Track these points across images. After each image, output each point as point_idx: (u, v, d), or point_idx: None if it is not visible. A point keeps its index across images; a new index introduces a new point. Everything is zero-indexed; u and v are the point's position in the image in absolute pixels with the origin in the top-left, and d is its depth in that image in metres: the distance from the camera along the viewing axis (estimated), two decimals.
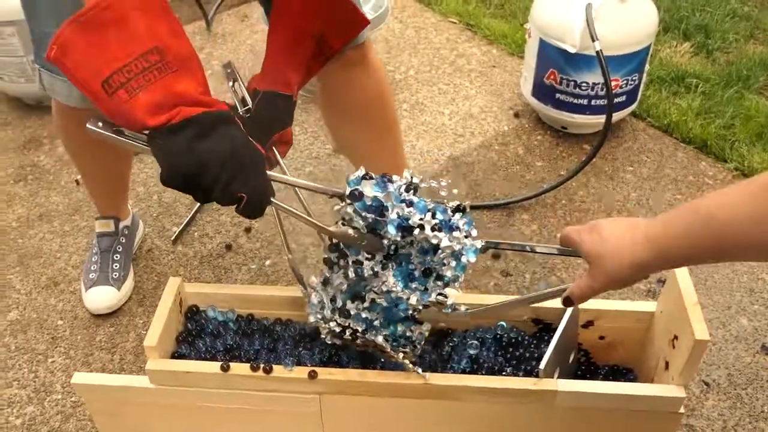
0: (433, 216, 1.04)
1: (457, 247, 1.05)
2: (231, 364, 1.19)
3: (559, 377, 1.18)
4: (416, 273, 1.08)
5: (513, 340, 1.28)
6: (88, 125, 0.96)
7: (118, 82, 0.90)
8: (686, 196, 1.97)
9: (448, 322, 1.24)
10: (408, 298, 1.08)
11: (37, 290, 1.73)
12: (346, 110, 1.48)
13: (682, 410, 1.15)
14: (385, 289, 1.07)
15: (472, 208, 1.94)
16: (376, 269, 1.06)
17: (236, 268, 1.77)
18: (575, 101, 2.05)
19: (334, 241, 1.09)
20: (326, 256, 1.13)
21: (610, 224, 0.92)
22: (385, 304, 1.10)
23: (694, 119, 2.21)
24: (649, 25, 2.00)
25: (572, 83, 2.02)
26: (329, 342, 1.20)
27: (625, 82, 2.02)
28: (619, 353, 1.35)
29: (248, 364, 1.18)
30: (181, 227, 1.88)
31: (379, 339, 1.13)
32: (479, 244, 1.07)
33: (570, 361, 1.30)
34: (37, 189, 2.04)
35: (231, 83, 1.17)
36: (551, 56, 2.03)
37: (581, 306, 1.27)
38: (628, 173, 2.07)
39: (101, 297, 1.66)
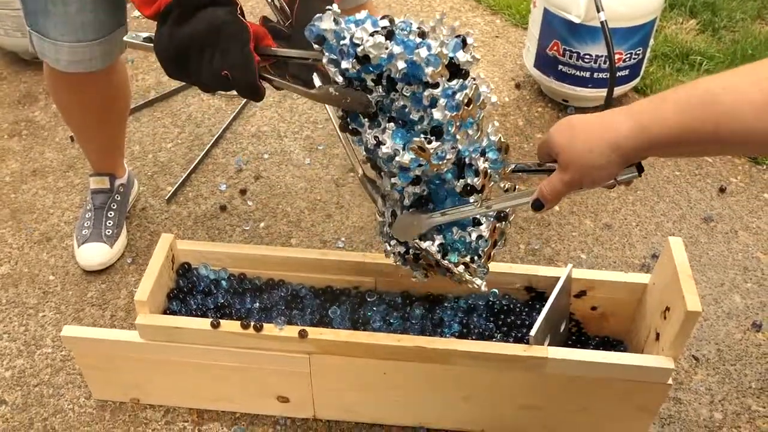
0: (390, 35, 0.91)
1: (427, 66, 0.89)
2: (221, 321, 1.19)
3: (550, 345, 1.18)
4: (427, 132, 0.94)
5: (505, 308, 1.28)
6: (125, 38, 1.05)
7: None
8: (685, 173, 1.96)
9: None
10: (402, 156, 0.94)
11: (30, 245, 1.72)
12: None
13: (670, 382, 1.16)
14: (385, 153, 0.95)
15: None
16: (378, 137, 0.96)
17: (230, 229, 1.76)
18: (578, 74, 2.03)
19: (341, 116, 1.02)
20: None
21: (583, 115, 0.85)
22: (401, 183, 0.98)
23: None
24: None
25: (575, 55, 2.00)
26: (397, 264, 1.12)
27: (628, 55, 2.00)
28: (611, 325, 1.35)
29: (239, 322, 1.18)
30: (176, 187, 1.86)
31: (434, 248, 1.02)
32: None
33: (561, 331, 1.30)
34: (32, 144, 2.02)
35: None
36: (555, 27, 2.00)
37: (575, 276, 1.28)
38: None
39: (94, 253, 1.65)
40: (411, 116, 0.94)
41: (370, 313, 1.29)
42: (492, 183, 1.00)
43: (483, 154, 0.98)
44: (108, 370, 1.29)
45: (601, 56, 1.97)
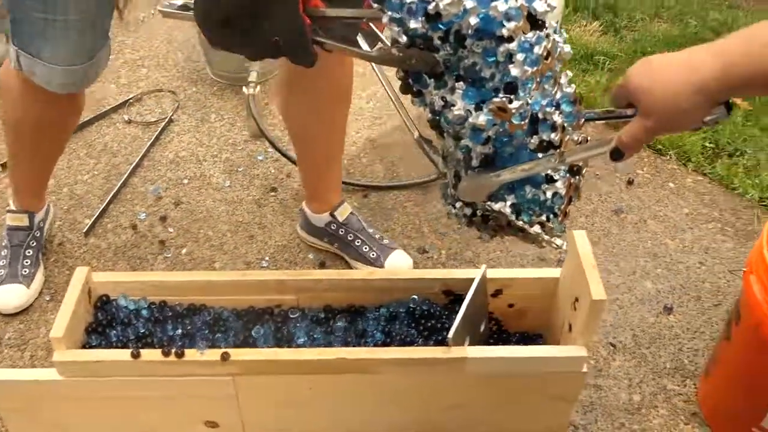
0: None
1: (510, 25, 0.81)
2: (142, 351, 1.18)
3: (471, 345, 1.22)
4: (500, 94, 0.86)
5: (425, 312, 1.31)
6: (160, 7, 1.03)
7: None
8: (595, 168, 2.05)
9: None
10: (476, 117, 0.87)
11: None
12: (313, 95, 1.52)
13: (585, 369, 1.21)
14: (456, 114, 0.87)
15: (386, 188, 1.97)
16: (446, 97, 0.88)
17: (152, 258, 1.74)
18: None
19: (402, 77, 0.93)
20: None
21: (663, 55, 0.80)
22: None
23: (601, 94, 2.29)
24: None
25: None
26: (464, 226, 1.03)
27: None
28: (529, 320, 1.40)
29: (159, 350, 1.18)
30: (93, 219, 1.84)
31: (507, 209, 0.94)
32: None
33: (482, 330, 1.34)
34: None
35: None
36: None
37: (490, 276, 1.32)
38: None
39: (10, 296, 1.61)
40: (482, 73, 0.87)
41: (293, 330, 1.30)
42: (567, 137, 0.91)
43: (557, 107, 0.90)
44: (29, 411, 1.26)
45: None
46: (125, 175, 1.97)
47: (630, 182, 2.00)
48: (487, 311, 1.36)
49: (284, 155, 2.02)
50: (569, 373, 1.21)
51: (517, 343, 1.38)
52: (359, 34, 0.96)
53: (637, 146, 0.82)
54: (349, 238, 1.71)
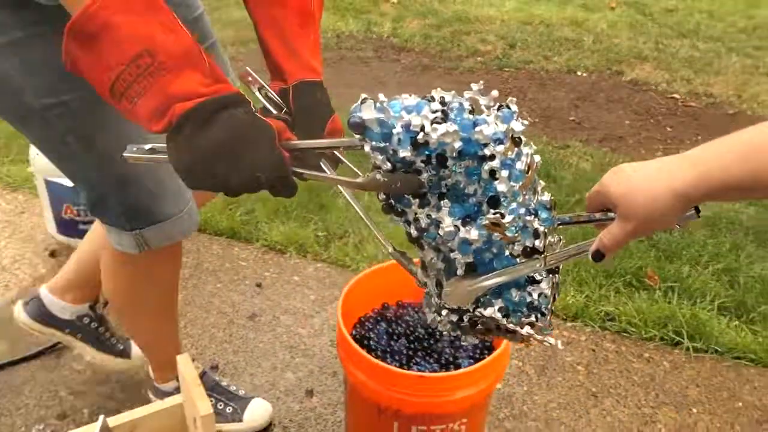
0: (445, 117, 0.88)
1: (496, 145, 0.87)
2: None
3: None
4: (483, 207, 0.90)
5: None
6: (125, 154, 0.94)
7: (119, 92, 0.86)
8: (226, 282, 2.17)
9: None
10: (466, 233, 0.90)
11: None
12: None
13: None
14: (447, 231, 0.91)
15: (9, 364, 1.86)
16: (431, 215, 0.92)
17: None
18: None
19: (383, 199, 0.96)
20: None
21: (638, 164, 0.84)
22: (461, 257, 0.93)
23: (219, 213, 2.45)
24: None
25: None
26: (450, 334, 1.03)
27: None
28: None
29: None
30: None
31: (497, 314, 0.95)
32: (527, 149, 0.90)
33: None
34: None
35: (257, 90, 1.10)
36: (60, 192, 2.07)
37: (117, 423, 1.32)
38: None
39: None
40: (465, 190, 0.91)
41: None
42: (547, 241, 0.94)
43: (535, 214, 0.92)
44: None
45: None
46: None
47: (258, 285, 2.15)
48: None
49: None
50: None
51: None
52: (323, 160, 1.00)
53: (618, 248, 0.86)
54: None
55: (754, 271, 2.27)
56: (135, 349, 1.74)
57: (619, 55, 4.26)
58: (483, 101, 0.90)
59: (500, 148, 0.87)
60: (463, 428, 1.39)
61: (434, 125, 0.87)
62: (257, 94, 1.12)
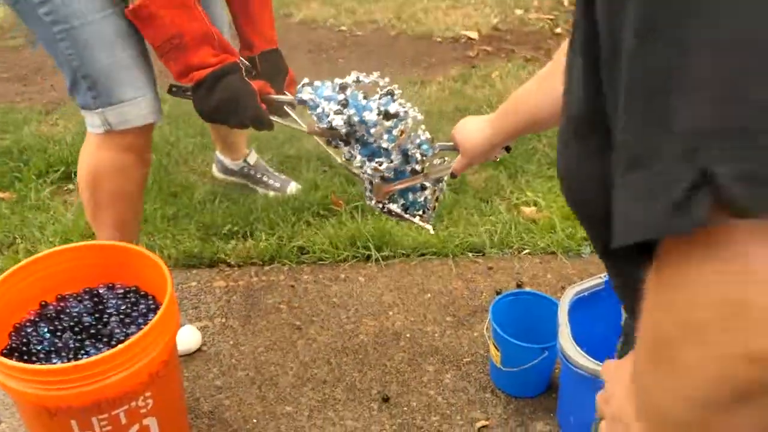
0: (346, 104, 1.39)
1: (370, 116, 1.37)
2: None
3: None
4: (381, 150, 1.40)
5: None
6: (172, 84, 1.61)
7: (160, 54, 1.49)
8: None
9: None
10: (367, 167, 1.41)
11: None
12: None
13: None
14: (358, 163, 1.42)
15: None
16: (352, 152, 1.43)
17: None
18: None
19: (325, 140, 1.47)
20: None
21: (471, 118, 1.29)
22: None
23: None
24: None
25: None
26: (378, 213, 1.53)
27: None
28: None
29: None
30: None
31: (398, 208, 1.46)
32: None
33: None
34: None
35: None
36: None
37: None
38: None
39: None
40: (368, 140, 1.39)
41: None
42: (428, 163, 1.43)
43: (419, 146, 1.41)
44: None
45: None
46: None
47: None
48: None
49: None
50: None
51: None
52: (284, 106, 1.62)
53: (463, 170, 1.32)
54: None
55: None
56: (290, 187, 2.37)
57: None
58: (381, 82, 1.43)
59: (374, 130, 1.37)
60: (150, 402, 1.34)
61: (335, 114, 1.38)
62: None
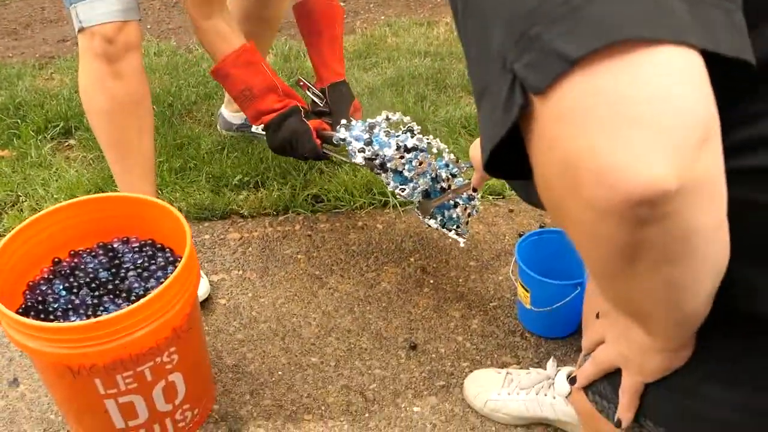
0: (370, 142, 1.61)
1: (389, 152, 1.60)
2: None
3: None
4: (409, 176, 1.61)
5: None
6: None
7: (239, 103, 1.76)
8: None
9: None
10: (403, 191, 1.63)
11: None
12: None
13: None
14: (392, 187, 1.63)
15: None
16: (387, 179, 1.63)
17: None
18: None
19: (369, 168, 1.67)
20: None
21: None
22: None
23: None
24: None
25: None
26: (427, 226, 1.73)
27: None
28: None
29: None
30: None
31: (436, 224, 1.67)
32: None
33: None
34: None
35: (306, 91, 1.91)
36: None
37: None
38: None
39: None
40: (398, 169, 1.59)
41: None
42: (454, 181, 1.66)
43: (447, 166, 1.65)
44: None
45: None
46: None
47: None
48: None
49: None
50: None
51: None
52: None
53: (480, 185, 1.46)
54: None
55: (439, 116, 2.39)
56: None
57: None
58: (405, 120, 1.66)
59: (392, 163, 1.59)
60: (175, 357, 1.29)
61: (358, 152, 1.61)
62: (307, 92, 1.90)
